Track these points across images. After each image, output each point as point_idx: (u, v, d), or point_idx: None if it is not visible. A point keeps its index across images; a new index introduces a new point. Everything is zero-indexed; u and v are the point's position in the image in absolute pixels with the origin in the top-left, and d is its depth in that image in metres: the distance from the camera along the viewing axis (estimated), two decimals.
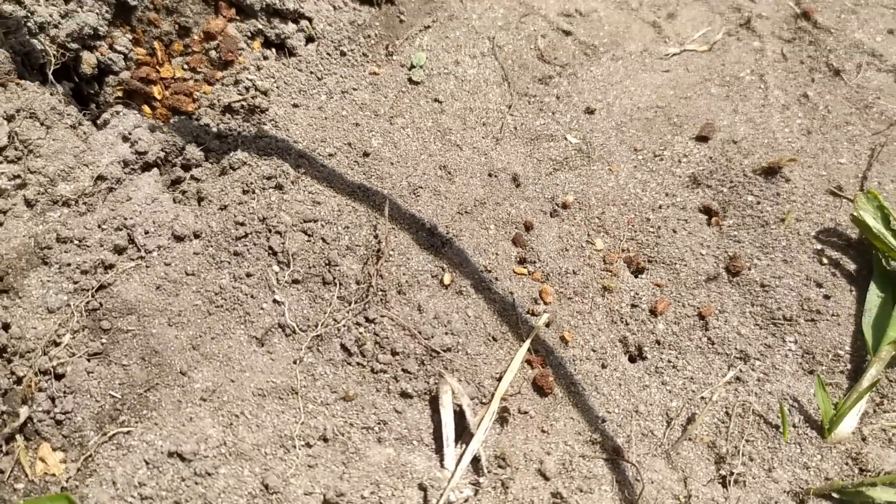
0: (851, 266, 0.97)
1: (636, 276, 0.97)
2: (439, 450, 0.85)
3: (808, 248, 0.98)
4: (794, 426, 0.88)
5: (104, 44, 1.09)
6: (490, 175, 1.01)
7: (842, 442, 0.87)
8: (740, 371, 0.91)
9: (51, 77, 1.04)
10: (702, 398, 0.88)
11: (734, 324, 0.94)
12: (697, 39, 1.15)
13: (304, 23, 1.09)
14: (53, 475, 0.87)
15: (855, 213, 0.97)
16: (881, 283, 0.95)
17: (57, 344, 0.89)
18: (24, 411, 0.88)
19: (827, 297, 0.95)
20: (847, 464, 0.86)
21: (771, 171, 1.03)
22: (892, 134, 1.06)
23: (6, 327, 0.88)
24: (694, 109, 1.08)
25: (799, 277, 0.97)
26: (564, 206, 1.00)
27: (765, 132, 1.06)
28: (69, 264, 0.91)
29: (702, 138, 1.06)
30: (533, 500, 0.82)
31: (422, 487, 0.83)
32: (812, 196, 1.01)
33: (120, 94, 1.08)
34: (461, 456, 0.84)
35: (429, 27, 1.12)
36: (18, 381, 0.89)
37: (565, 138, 1.06)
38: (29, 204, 0.93)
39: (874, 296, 0.95)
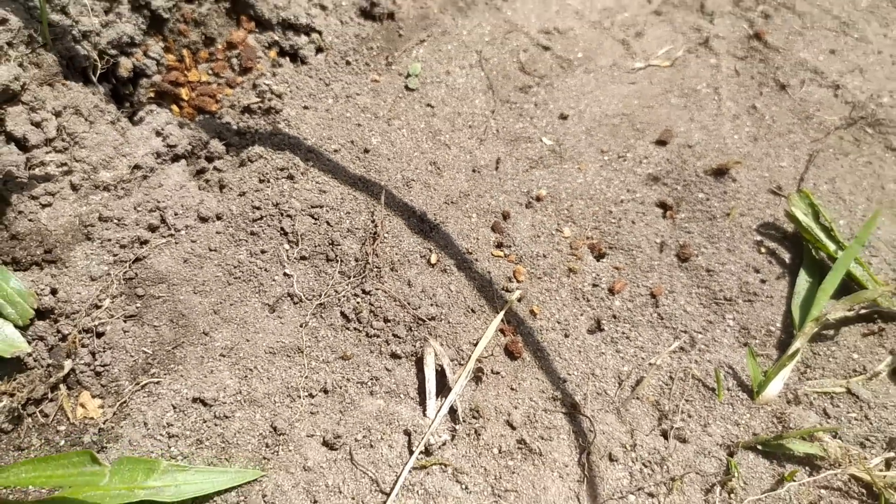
0: (786, 255, 1.09)
1: (598, 260, 1.07)
2: (422, 402, 0.96)
3: (750, 239, 1.10)
4: (728, 389, 0.99)
5: (139, 50, 1.21)
6: (474, 171, 1.13)
7: (768, 403, 0.99)
8: (684, 342, 1.02)
9: (94, 79, 1.17)
10: (650, 364, 1.00)
11: (681, 302, 1.06)
12: (661, 56, 1.26)
13: (314, 35, 1.21)
14: (92, 418, 0.99)
15: (789, 210, 1.10)
16: (809, 270, 1.07)
17: (98, 307, 1.02)
18: (67, 364, 1.00)
19: (763, 281, 1.07)
20: (772, 422, 0.97)
21: (720, 172, 1.15)
22: (828, 142, 1.18)
23: (54, 292, 1.00)
24: (655, 117, 1.19)
25: (740, 264, 1.08)
26: (538, 198, 1.12)
27: (716, 138, 1.18)
28: (109, 240, 1.03)
29: (661, 142, 1.18)
30: (501, 445, 0.94)
31: (406, 433, 0.95)
32: (755, 194, 1.13)
33: (152, 94, 1.20)
34: (441, 407, 0.96)
35: (424, 41, 1.24)
36: (63, 338, 1.01)
37: (541, 140, 1.18)
38: (74, 188, 1.05)
39: (803, 280, 1.06)
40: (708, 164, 1.12)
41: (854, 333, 1.02)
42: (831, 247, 1.03)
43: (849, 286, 1.03)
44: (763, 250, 1.07)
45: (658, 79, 1.22)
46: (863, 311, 1.02)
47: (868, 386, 0.98)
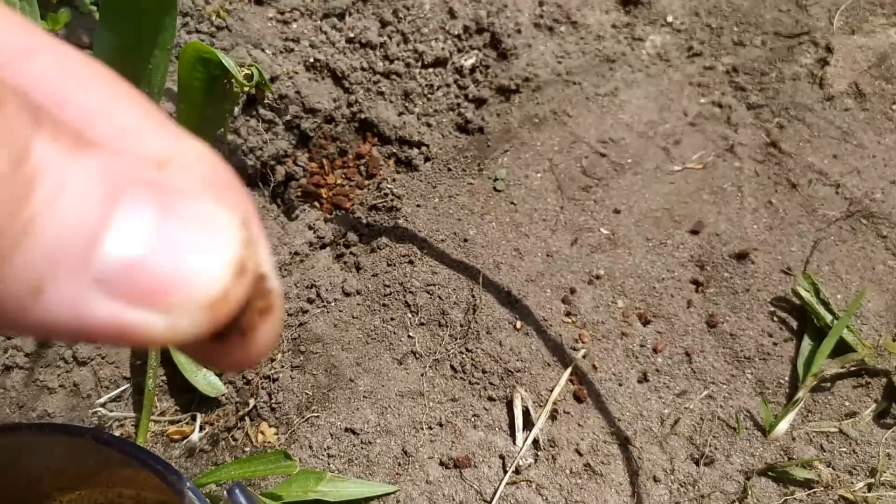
0: (794, 323, 1.35)
1: (644, 326, 1.37)
2: (512, 434, 1.25)
3: (765, 310, 1.39)
4: (745, 429, 1.27)
5: (290, 160, 1.57)
6: (548, 255, 1.45)
7: (777, 439, 1.27)
8: (712, 391, 1.31)
9: (260, 185, 1.53)
10: (685, 408, 1.30)
11: (710, 360, 1.35)
12: (695, 160, 1.56)
13: (423, 148, 1.55)
14: (269, 442, 1.33)
15: (795, 288, 1.38)
16: (811, 336, 1.33)
17: (273, 360, 1.36)
18: (251, 402, 1.34)
19: (775, 344, 1.35)
20: (780, 453, 1.25)
21: (742, 256, 1.44)
22: (829, 231, 1.46)
23: None
24: (690, 211, 1.50)
25: (757, 330, 1.37)
26: (597, 277, 1.43)
27: (739, 228, 1.47)
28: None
29: (694, 231, 1.47)
30: (571, 467, 1.24)
31: (501, 457, 1.24)
32: (769, 274, 1.42)
33: (299, 194, 1.56)
34: (526, 438, 1.26)
35: (507, 151, 1.57)
36: (248, 382, 1.35)
37: (599, 230, 1.49)
38: None
39: (806, 344, 1.33)
40: (732, 250, 1.42)
41: (846, 386, 1.29)
42: (828, 317, 1.31)
43: (843, 348, 1.30)
44: (775, 319, 1.36)
45: (692, 179, 1.52)
46: (853, 368, 1.29)
47: (856, 427, 1.25)
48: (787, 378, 1.28)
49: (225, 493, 1.00)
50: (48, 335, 0.21)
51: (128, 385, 1.30)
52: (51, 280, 0.20)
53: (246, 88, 1.13)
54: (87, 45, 1.48)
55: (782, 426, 1.24)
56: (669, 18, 1.70)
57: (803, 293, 1.32)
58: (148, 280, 0.21)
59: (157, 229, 0.22)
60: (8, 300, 0.19)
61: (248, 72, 1.13)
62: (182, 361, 1.28)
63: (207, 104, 1.20)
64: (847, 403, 1.26)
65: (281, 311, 0.29)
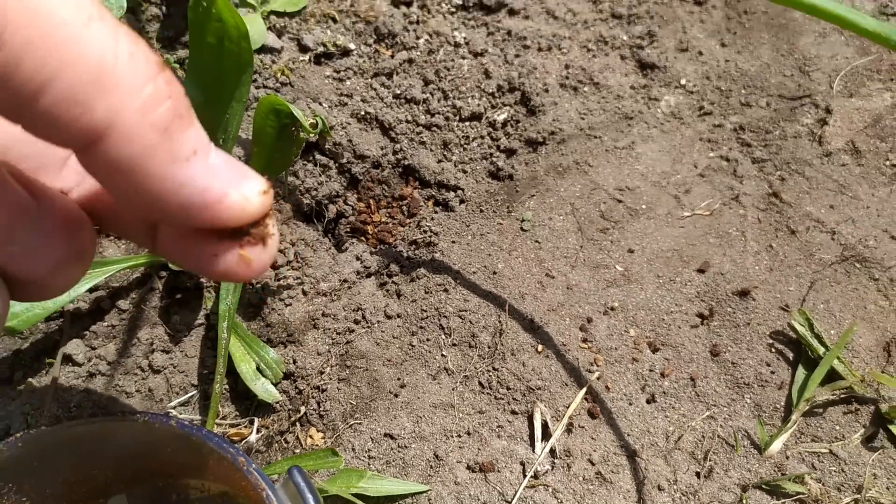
0: (790, 354, 1.49)
1: (653, 353, 1.52)
2: (532, 444, 1.41)
3: (764, 342, 1.53)
4: (743, 447, 1.40)
5: (340, 200, 1.77)
6: (567, 288, 1.62)
7: (772, 457, 1.40)
8: (713, 412, 1.45)
9: (314, 220, 1.73)
10: (688, 426, 1.44)
11: (713, 385, 1.49)
12: (703, 207, 1.73)
13: (459, 191, 1.74)
14: (317, 445, 1.49)
15: (791, 322, 1.53)
16: (805, 366, 1.47)
17: (322, 373, 1.53)
18: (302, 409, 1.51)
19: (772, 372, 1.49)
20: (774, 470, 1.37)
21: (744, 293, 1.59)
22: (825, 273, 1.60)
23: (294, 361, 1.52)
24: (697, 252, 1.66)
25: (756, 360, 1.51)
26: (612, 308, 1.59)
27: (742, 268, 1.63)
28: (329, 329, 1.55)
29: (701, 271, 1.63)
30: (584, 475, 1.38)
31: (521, 463, 1.39)
32: (769, 310, 1.57)
33: (348, 229, 1.75)
34: (545, 448, 1.41)
35: (533, 195, 1.75)
36: (300, 392, 1.52)
37: (615, 267, 1.65)
38: (305, 294, 1.59)
39: (800, 373, 1.46)
40: (735, 288, 1.57)
41: (837, 411, 1.42)
42: (821, 350, 1.44)
43: (834, 377, 1.44)
44: (773, 350, 1.50)
45: (700, 224, 1.68)
46: (843, 395, 1.42)
47: (845, 449, 1.38)
48: (782, 403, 1.42)
49: (285, 473, 1.16)
50: (183, 204, 0.40)
51: (195, 392, 1.48)
52: (199, 155, 0.40)
53: (311, 135, 1.33)
54: None
55: (776, 445, 1.36)
56: (683, 81, 1.89)
57: (798, 327, 1.46)
58: (233, 176, 0.43)
59: (230, 159, 0.44)
60: (173, 167, 0.39)
61: (313, 121, 1.34)
62: (244, 371, 1.45)
63: (276, 148, 1.41)
64: (838, 428, 1.39)
65: (277, 240, 0.52)
